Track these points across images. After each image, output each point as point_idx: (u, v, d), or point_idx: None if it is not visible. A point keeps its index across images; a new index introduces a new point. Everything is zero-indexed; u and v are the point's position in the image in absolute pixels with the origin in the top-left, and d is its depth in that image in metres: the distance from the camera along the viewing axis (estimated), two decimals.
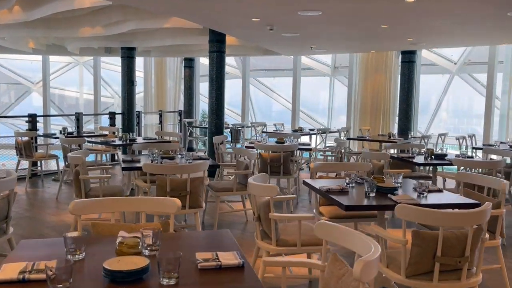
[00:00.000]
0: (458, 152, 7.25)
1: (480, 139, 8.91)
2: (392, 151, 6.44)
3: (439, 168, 6.83)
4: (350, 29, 6.96)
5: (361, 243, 1.99)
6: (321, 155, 8.29)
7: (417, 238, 2.65)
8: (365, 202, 3.24)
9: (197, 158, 5.08)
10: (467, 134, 7.99)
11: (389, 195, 3.30)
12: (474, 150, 6.82)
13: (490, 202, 2.74)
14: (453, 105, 13.43)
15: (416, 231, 2.67)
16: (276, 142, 6.88)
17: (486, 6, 5.22)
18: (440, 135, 8.27)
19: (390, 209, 3.16)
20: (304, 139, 9.17)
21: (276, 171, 6.11)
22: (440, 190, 3.55)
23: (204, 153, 9.77)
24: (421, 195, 3.34)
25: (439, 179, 6.69)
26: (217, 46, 8.18)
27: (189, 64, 12.18)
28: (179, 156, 5.22)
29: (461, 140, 7.81)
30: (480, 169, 5.24)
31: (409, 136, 8.76)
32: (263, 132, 10.34)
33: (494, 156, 6.34)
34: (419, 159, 5.61)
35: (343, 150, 6.66)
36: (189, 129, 11.37)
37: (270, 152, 6.10)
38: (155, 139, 7.54)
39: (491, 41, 8.18)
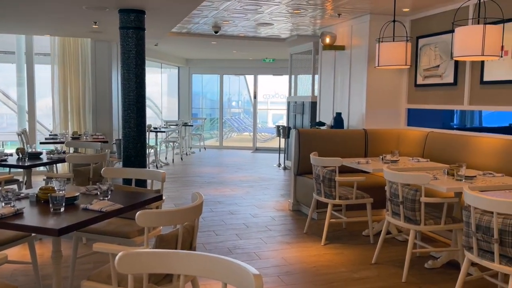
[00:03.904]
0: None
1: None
2: None
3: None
4: None
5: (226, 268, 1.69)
6: None
7: (163, 242, 2.47)
8: (69, 219, 2.59)
9: None
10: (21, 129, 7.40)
11: (82, 205, 2.80)
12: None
13: (199, 194, 2.88)
14: None
15: (160, 236, 2.47)
16: None
17: None
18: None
19: (102, 219, 2.71)
20: None
21: None
22: (111, 190, 3.32)
23: None
24: (105, 198, 3.03)
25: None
26: None
27: None
28: None
29: (22, 136, 7.17)
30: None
31: None
32: None
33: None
34: (13, 160, 4.85)
35: None
36: None
37: None
38: None
39: (53, 32, 7.73)
